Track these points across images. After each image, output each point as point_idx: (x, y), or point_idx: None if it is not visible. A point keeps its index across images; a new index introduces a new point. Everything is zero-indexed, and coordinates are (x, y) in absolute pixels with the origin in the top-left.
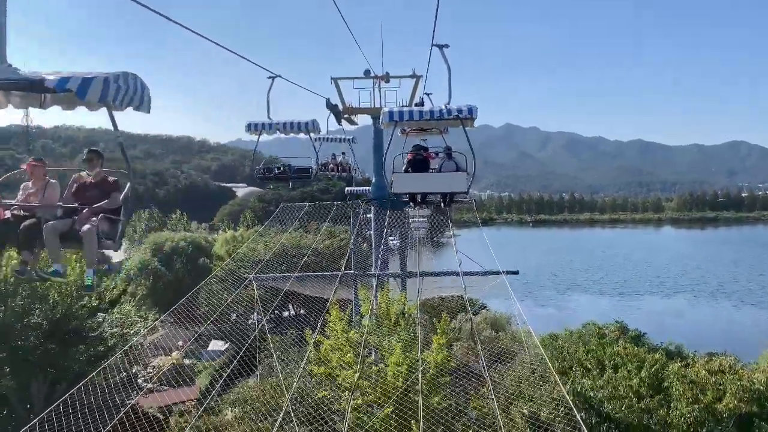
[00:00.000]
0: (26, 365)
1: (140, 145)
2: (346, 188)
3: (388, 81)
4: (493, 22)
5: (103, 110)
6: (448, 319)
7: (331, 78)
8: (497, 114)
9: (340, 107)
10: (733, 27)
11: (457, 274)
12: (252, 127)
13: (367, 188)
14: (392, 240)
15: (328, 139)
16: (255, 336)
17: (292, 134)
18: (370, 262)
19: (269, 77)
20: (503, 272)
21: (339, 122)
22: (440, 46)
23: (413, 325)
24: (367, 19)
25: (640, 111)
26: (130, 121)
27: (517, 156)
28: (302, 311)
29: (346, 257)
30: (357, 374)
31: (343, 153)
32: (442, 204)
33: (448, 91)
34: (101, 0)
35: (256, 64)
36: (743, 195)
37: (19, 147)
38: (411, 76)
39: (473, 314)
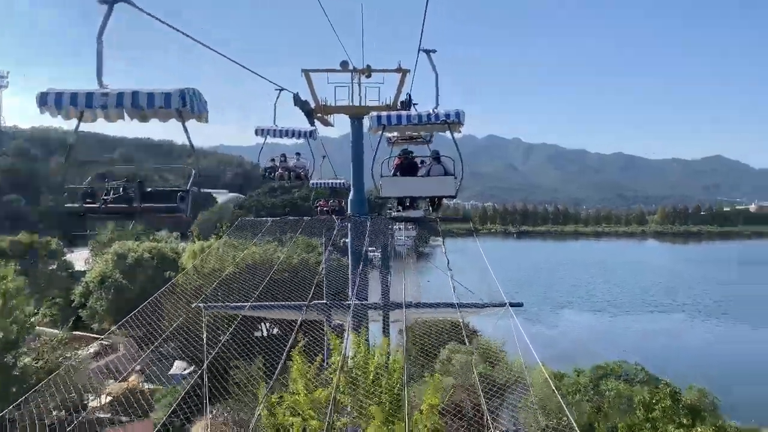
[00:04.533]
0: None
1: (119, 149)
2: (311, 182)
3: (369, 75)
4: (474, 31)
5: None
6: (440, 379)
7: (302, 70)
8: (480, 125)
9: (312, 105)
10: (709, 46)
11: (452, 305)
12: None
13: (339, 181)
14: (373, 252)
15: (275, 132)
16: (204, 370)
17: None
18: (346, 282)
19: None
20: (507, 304)
21: (311, 123)
22: (427, 51)
23: (398, 381)
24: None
25: (622, 125)
26: (109, 125)
27: (500, 167)
28: (276, 331)
29: (315, 282)
30: None
31: (298, 154)
32: (430, 208)
33: (436, 96)
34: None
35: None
36: (725, 210)
37: None
38: (396, 70)
39: (464, 342)
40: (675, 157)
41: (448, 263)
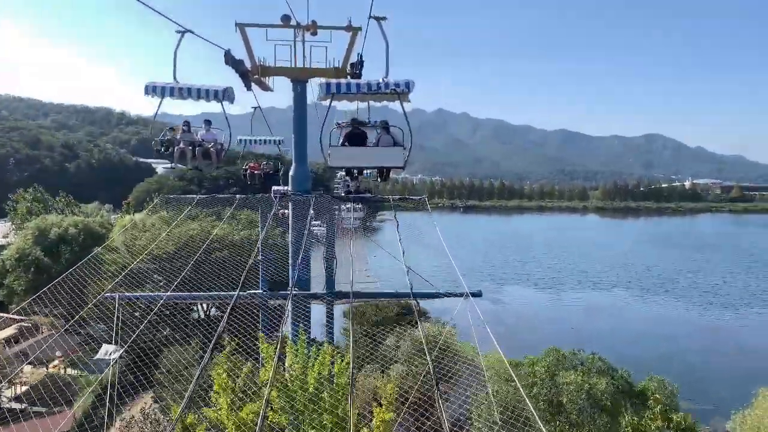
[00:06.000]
0: None
1: (52, 115)
2: (239, 138)
3: (315, 33)
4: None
5: None
6: (396, 389)
7: (236, 24)
8: (429, 99)
9: (248, 65)
10: (650, 29)
11: (408, 296)
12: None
13: (274, 138)
14: (317, 227)
15: (173, 90)
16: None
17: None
18: (286, 265)
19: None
20: (466, 294)
21: (248, 86)
22: (378, 19)
23: (343, 398)
24: None
25: (565, 101)
26: (41, 88)
27: (448, 141)
28: (213, 311)
29: (247, 266)
30: None
31: (207, 122)
32: (378, 178)
33: (386, 66)
34: None
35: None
36: (663, 186)
37: None
38: (346, 29)
39: (413, 325)
40: (615, 134)
41: (404, 253)
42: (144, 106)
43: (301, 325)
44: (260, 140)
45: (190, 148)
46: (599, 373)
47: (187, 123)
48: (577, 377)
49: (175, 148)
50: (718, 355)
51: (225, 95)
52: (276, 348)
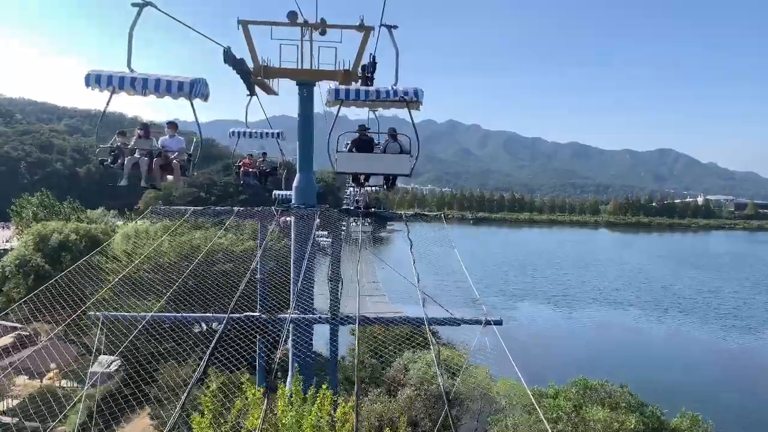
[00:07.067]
0: None
1: (65, 119)
2: (231, 131)
3: (324, 33)
4: (434, 16)
5: None
6: None
7: (239, 21)
8: (441, 110)
9: (251, 66)
10: (665, 44)
11: (421, 322)
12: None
13: (271, 131)
14: (322, 238)
15: (122, 81)
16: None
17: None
18: (287, 282)
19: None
20: (485, 322)
21: (250, 89)
22: (389, 27)
23: None
24: None
25: (577, 114)
26: (55, 93)
27: (458, 152)
28: (215, 325)
29: (242, 284)
30: None
31: (172, 124)
32: (384, 186)
33: (396, 73)
34: None
35: None
36: (676, 201)
37: None
38: (358, 28)
39: (422, 347)
40: (627, 147)
41: (418, 279)
42: (156, 112)
43: (296, 365)
44: (256, 133)
45: (146, 158)
46: (628, 408)
47: (144, 126)
48: (605, 414)
49: (126, 158)
50: (743, 382)
51: (194, 89)
52: (265, 399)
